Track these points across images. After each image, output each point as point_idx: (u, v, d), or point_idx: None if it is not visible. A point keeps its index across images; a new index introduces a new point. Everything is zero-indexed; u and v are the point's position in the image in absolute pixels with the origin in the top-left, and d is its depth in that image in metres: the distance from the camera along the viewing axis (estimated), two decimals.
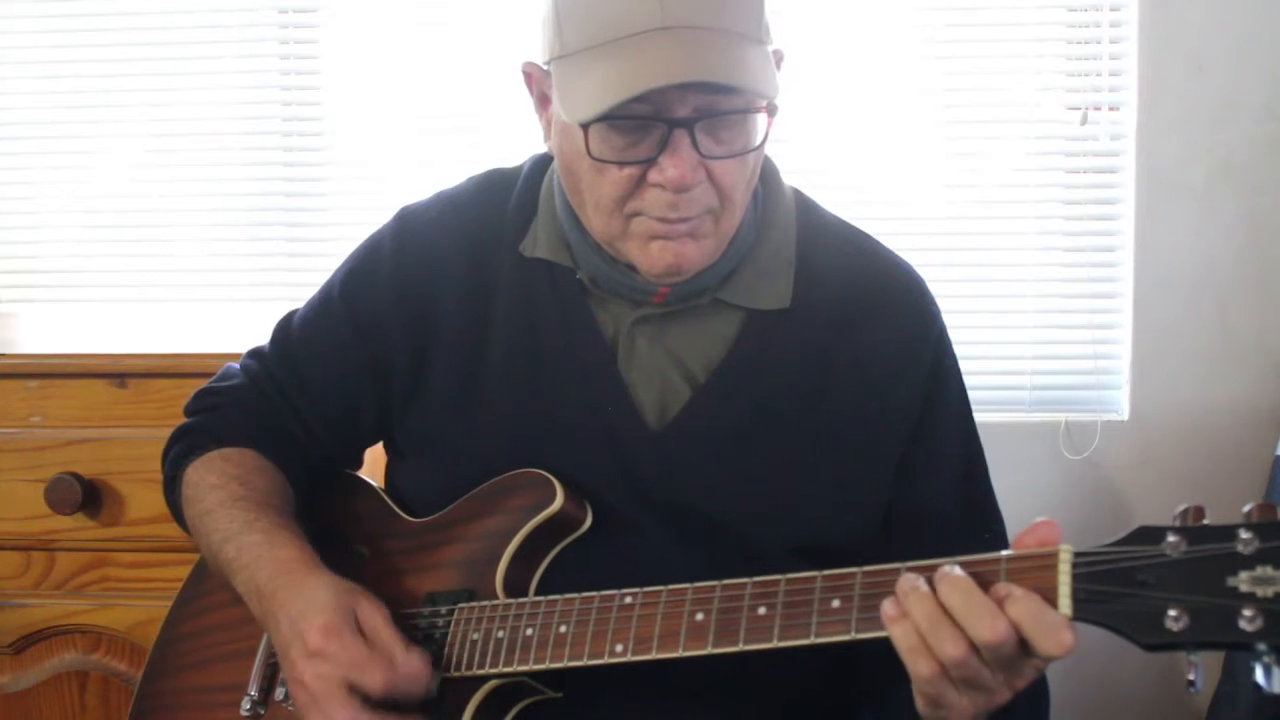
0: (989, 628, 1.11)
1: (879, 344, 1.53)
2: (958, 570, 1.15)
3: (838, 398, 1.51)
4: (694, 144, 1.36)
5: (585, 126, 1.37)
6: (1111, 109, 2.74)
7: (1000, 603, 1.12)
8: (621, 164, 1.39)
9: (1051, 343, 2.80)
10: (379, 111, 2.87)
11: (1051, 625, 1.10)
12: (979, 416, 1.61)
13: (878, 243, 1.63)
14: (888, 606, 1.17)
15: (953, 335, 1.62)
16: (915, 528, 1.50)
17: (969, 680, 1.15)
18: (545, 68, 1.45)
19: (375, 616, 1.39)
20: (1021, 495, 2.58)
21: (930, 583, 1.16)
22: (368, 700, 1.34)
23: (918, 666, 1.15)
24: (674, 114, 1.35)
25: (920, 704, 1.21)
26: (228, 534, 1.52)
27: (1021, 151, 2.77)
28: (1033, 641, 1.11)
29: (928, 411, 1.54)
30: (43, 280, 3.00)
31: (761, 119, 1.41)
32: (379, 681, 1.33)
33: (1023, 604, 1.11)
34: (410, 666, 1.35)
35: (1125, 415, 2.74)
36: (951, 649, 1.12)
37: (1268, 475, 2.59)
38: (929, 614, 1.14)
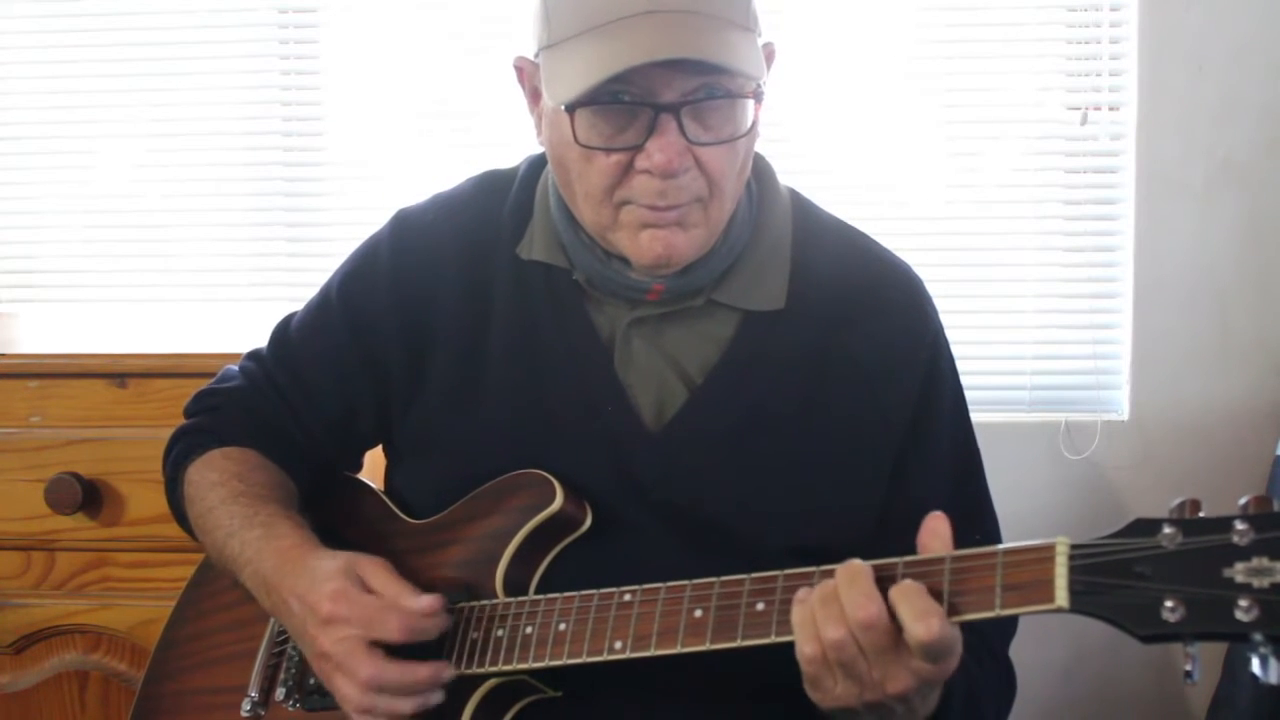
0: (861, 606, 1.16)
1: (875, 344, 1.53)
2: (857, 561, 1.21)
3: (834, 398, 1.51)
4: (681, 129, 1.36)
5: (571, 111, 1.37)
6: (1111, 109, 2.74)
7: (885, 589, 1.18)
8: (609, 151, 1.39)
9: (1051, 343, 2.79)
10: (378, 111, 2.87)
11: (923, 610, 1.15)
12: (978, 416, 1.61)
13: (875, 243, 1.63)
14: (801, 592, 1.23)
15: (952, 335, 1.62)
16: (908, 527, 1.49)
17: (845, 665, 1.19)
18: (535, 60, 1.45)
19: (379, 571, 1.40)
20: (1021, 495, 2.59)
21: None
22: (390, 652, 1.35)
23: (802, 645, 1.20)
24: (660, 98, 1.36)
25: (805, 682, 1.25)
26: (230, 530, 1.53)
27: (1021, 151, 2.77)
28: (902, 621, 1.15)
29: (923, 412, 1.54)
30: (43, 280, 3.00)
31: (750, 105, 1.41)
32: (396, 628, 1.35)
33: (903, 587, 1.17)
34: (423, 605, 1.36)
35: (1125, 415, 2.74)
36: (832, 630, 1.18)
37: (1268, 475, 2.59)
38: (822, 594, 1.20)
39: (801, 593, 1.22)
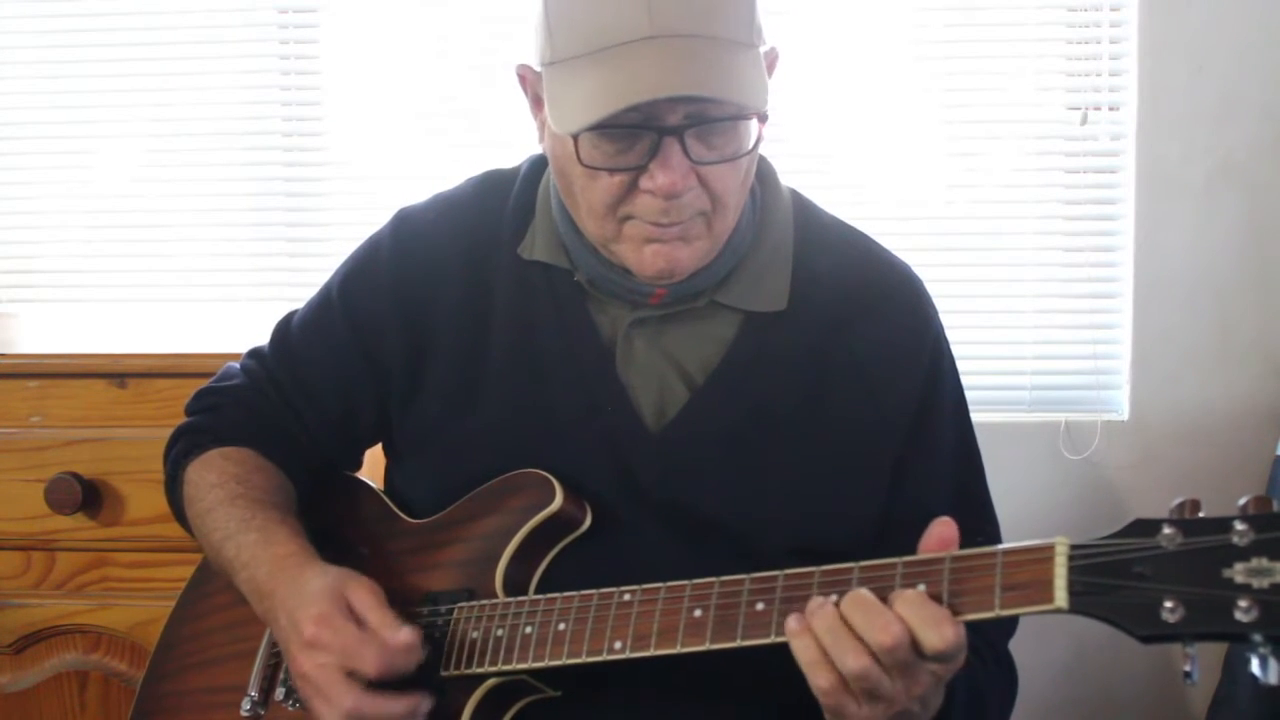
0: (883, 629, 1.15)
1: (876, 345, 1.53)
2: (864, 591, 1.19)
3: (835, 399, 1.51)
4: (684, 151, 1.37)
5: (575, 135, 1.37)
6: (1111, 109, 2.74)
7: (890, 604, 1.16)
8: (612, 171, 1.39)
9: (1051, 343, 2.79)
10: (379, 112, 2.87)
11: (934, 618, 1.14)
12: (979, 416, 1.61)
13: (876, 244, 1.63)
14: (792, 622, 1.21)
15: (953, 335, 1.62)
16: (909, 529, 1.49)
17: (870, 691, 1.18)
18: (537, 70, 1.45)
19: (366, 599, 1.39)
20: (1021, 495, 2.60)
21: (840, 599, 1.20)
22: (369, 683, 1.34)
23: (817, 679, 1.19)
24: (664, 122, 1.35)
25: (826, 713, 1.23)
26: (227, 533, 1.53)
27: (1021, 151, 2.76)
28: (917, 634, 1.14)
29: (923, 413, 1.54)
30: (43, 280, 2.99)
31: (753, 124, 1.41)
32: (373, 664, 1.34)
33: (907, 598, 1.16)
34: (400, 642, 1.35)
35: (1125, 415, 2.74)
36: (853, 661, 1.16)
37: (1268, 475, 2.59)
38: (830, 627, 1.18)
39: (793, 622, 1.21)
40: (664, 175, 1.36)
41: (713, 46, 1.35)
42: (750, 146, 1.42)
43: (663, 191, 1.37)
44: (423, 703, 1.37)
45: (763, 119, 1.41)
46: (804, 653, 1.19)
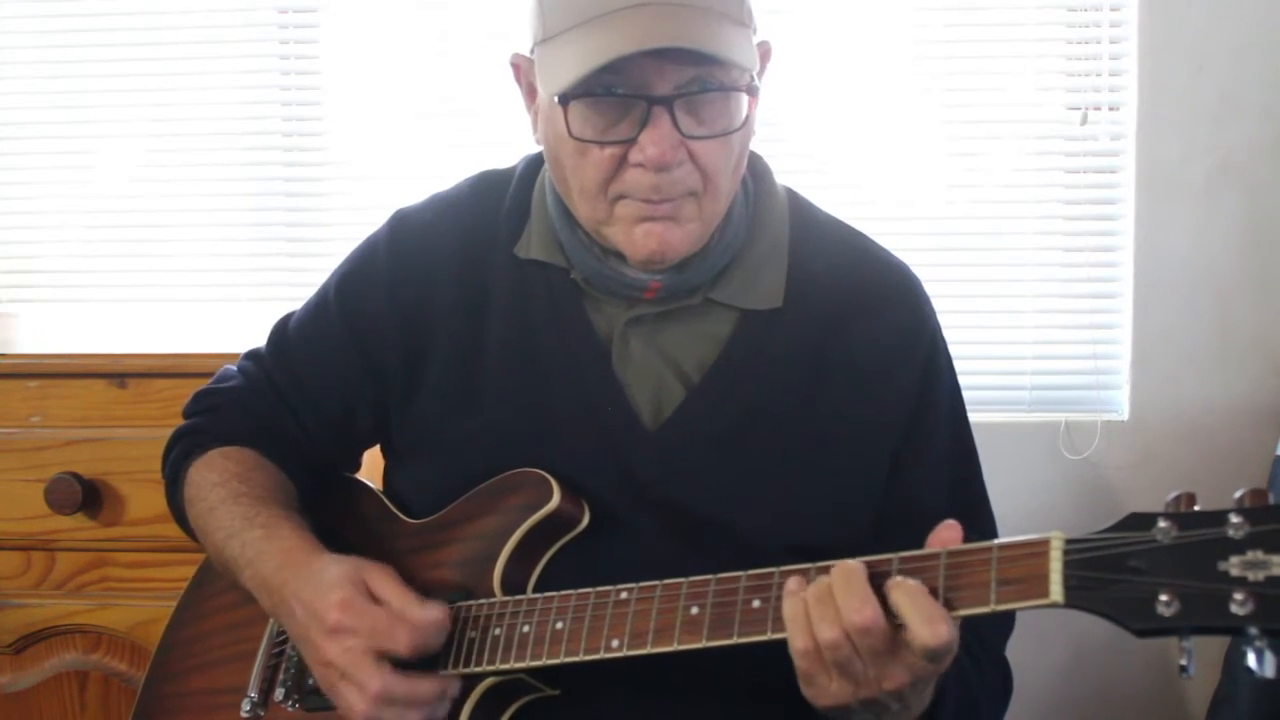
0: (857, 610, 1.16)
1: (872, 343, 1.53)
2: (852, 562, 1.20)
3: (831, 397, 1.51)
4: (674, 122, 1.37)
5: (565, 104, 1.37)
6: (1111, 109, 2.74)
7: (888, 591, 1.17)
8: (602, 144, 1.39)
9: (1051, 343, 2.79)
10: (379, 112, 2.87)
11: (930, 615, 1.15)
12: (978, 416, 1.61)
13: (872, 242, 1.63)
14: (792, 583, 1.23)
15: (952, 335, 1.62)
16: (906, 527, 1.48)
17: (840, 664, 1.19)
18: (530, 56, 1.46)
19: (386, 581, 1.39)
20: (1021, 495, 2.60)
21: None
22: (397, 663, 1.34)
23: (795, 639, 1.21)
24: (653, 91, 1.36)
25: (799, 679, 1.24)
26: (231, 531, 1.52)
27: (1021, 151, 2.76)
28: (911, 628, 1.15)
29: (920, 411, 1.54)
30: (43, 280, 3.00)
31: (743, 100, 1.41)
32: (405, 641, 1.34)
33: (908, 589, 1.17)
34: (430, 617, 1.36)
35: (1125, 415, 2.74)
36: (827, 630, 1.18)
37: (1268, 475, 2.58)
38: (818, 594, 1.20)
39: (793, 583, 1.22)
40: (654, 146, 1.36)
41: (702, 14, 1.35)
42: (740, 123, 1.42)
43: (653, 163, 1.37)
44: (452, 684, 1.38)
45: (752, 94, 1.42)
46: (790, 609, 1.21)
